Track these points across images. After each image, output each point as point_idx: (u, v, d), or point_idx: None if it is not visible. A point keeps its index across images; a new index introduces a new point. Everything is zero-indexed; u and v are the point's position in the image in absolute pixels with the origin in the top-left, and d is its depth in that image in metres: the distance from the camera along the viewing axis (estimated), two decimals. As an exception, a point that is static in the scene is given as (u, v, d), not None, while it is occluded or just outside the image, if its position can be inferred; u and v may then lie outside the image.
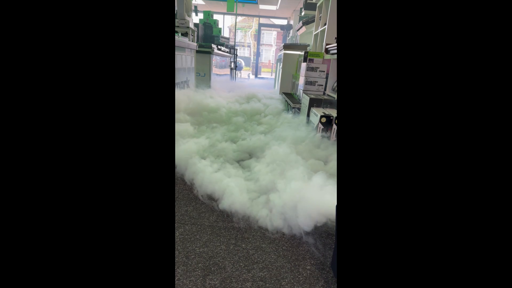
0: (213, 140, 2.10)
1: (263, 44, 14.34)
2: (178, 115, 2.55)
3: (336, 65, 2.61)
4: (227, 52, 5.50)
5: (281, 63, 4.32)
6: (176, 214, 1.30)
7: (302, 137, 2.03)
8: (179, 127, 2.25)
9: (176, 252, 1.04)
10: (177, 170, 1.68)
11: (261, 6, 9.77)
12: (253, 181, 1.55)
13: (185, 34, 3.63)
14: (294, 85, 3.84)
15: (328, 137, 1.94)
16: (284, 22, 11.55)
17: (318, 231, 1.22)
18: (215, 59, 4.46)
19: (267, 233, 1.19)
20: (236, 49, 6.61)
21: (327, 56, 2.74)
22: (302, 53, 3.01)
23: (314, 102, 2.38)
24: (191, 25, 3.88)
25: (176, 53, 2.84)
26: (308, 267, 1.02)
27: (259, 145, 2.01)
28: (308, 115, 2.37)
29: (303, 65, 2.82)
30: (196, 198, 1.45)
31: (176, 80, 2.95)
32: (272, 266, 1.01)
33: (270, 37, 14.55)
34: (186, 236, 1.14)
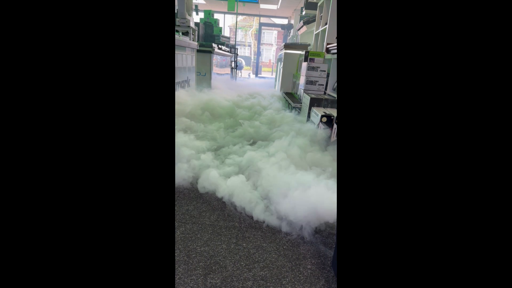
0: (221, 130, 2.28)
1: (264, 43, 14.33)
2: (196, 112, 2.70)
3: (336, 65, 2.61)
4: (227, 51, 5.49)
5: (282, 63, 4.32)
6: (177, 213, 1.30)
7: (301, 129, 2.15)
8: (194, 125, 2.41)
9: (177, 251, 1.05)
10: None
11: (262, 6, 9.75)
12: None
13: (185, 34, 3.63)
14: (295, 84, 3.83)
15: (329, 137, 1.94)
16: (284, 21, 11.53)
17: (316, 229, 1.22)
18: (215, 59, 4.46)
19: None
20: (237, 49, 6.60)
21: (328, 56, 2.74)
22: (303, 52, 3.00)
23: (315, 102, 2.38)
24: (192, 25, 3.88)
25: (176, 52, 2.84)
26: (309, 266, 1.02)
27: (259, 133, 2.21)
28: (308, 115, 2.37)
29: (304, 64, 2.82)
30: (197, 197, 1.46)
31: (177, 80, 2.95)
32: (273, 265, 1.01)
33: (271, 36, 14.53)
34: (187, 235, 1.15)
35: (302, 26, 4.89)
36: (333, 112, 2.07)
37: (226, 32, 10.59)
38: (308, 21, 4.52)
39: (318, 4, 3.60)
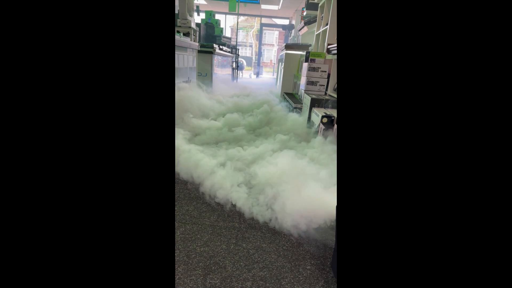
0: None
1: (265, 44, 14.34)
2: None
3: (336, 66, 2.61)
4: (228, 52, 5.50)
5: (283, 63, 4.32)
6: (177, 213, 1.30)
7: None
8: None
9: (177, 251, 1.05)
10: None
11: (263, 6, 9.77)
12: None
13: (187, 34, 3.63)
14: (296, 85, 3.83)
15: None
16: (286, 22, 11.55)
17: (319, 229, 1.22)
18: (216, 59, 4.46)
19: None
20: (238, 49, 6.61)
21: (329, 56, 2.74)
22: (304, 53, 3.01)
23: (316, 103, 2.38)
24: (193, 25, 3.89)
25: (177, 53, 2.85)
26: (308, 267, 1.02)
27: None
28: (309, 115, 2.37)
29: (305, 65, 2.82)
30: (197, 197, 1.46)
31: (178, 80, 2.96)
32: (272, 266, 1.01)
33: (272, 37, 14.54)
34: (187, 236, 1.15)
35: (303, 27, 4.89)
36: (334, 113, 2.06)
37: (227, 33, 10.61)
38: (309, 21, 4.51)
39: (319, 5, 3.60)
